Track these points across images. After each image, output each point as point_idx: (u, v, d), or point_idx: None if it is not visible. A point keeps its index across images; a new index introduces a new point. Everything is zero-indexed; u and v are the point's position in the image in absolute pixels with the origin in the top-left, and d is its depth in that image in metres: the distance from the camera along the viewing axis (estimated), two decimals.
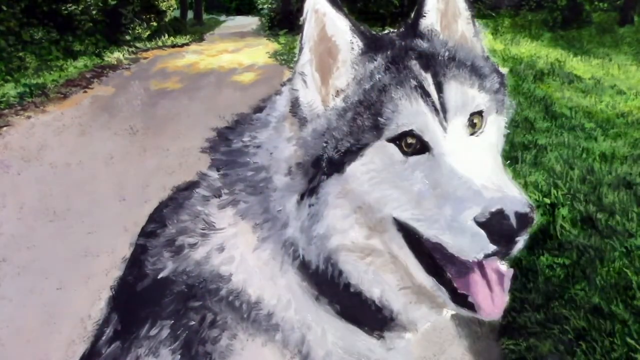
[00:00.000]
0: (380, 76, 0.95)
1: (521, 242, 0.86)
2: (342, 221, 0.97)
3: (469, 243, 0.86)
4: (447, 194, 0.88)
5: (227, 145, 1.10)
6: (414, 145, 0.93)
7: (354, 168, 0.93)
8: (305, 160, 0.96)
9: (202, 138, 1.15)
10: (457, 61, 0.99)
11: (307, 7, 0.95)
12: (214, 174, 1.11)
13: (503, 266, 0.99)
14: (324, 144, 0.94)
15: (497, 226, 0.83)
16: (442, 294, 0.97)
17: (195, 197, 1.11)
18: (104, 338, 1.11)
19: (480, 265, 0.96)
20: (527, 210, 0.84)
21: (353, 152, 0.93)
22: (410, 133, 0.93)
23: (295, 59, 1.00)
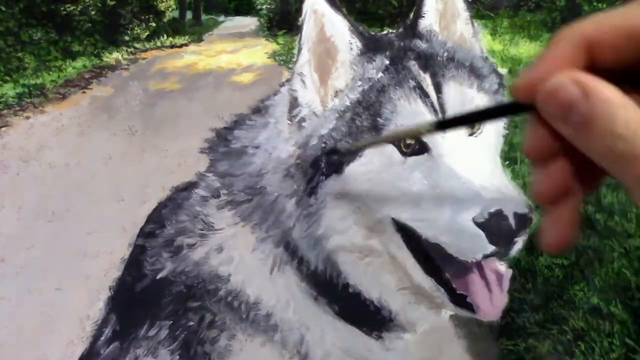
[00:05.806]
0: (379, 77, 0.95)
1: (520, 242, 0.86)
2: (340, 221, 0.97)
3: (467, 243, 0.86)
4: (445, 195, 0.88)
5: (226, 146, 1.10)
6: (412, 145, 0.92)
7: (353, 168, 0.93)
8: (304, 161, 0.96)
9: (201, 138, 1.14)
10: (456, 62, 0.99)
11: (306, 7, 0.95)
12: (213, 175, 1.11)
13: (502, 267, 0.99)
14: (323, 145, 0.94)
15: (496, 227, 0.83)
16: (441, 295, 0.97)
17: (194, 197, 1.11)
18: (102, 338, 1.11)
19: (479, 265, 0.96)
20: (526, 210, 0.83)
21: (352, 153, 0.93)
22: None
23: (294, 60, 1.00)
